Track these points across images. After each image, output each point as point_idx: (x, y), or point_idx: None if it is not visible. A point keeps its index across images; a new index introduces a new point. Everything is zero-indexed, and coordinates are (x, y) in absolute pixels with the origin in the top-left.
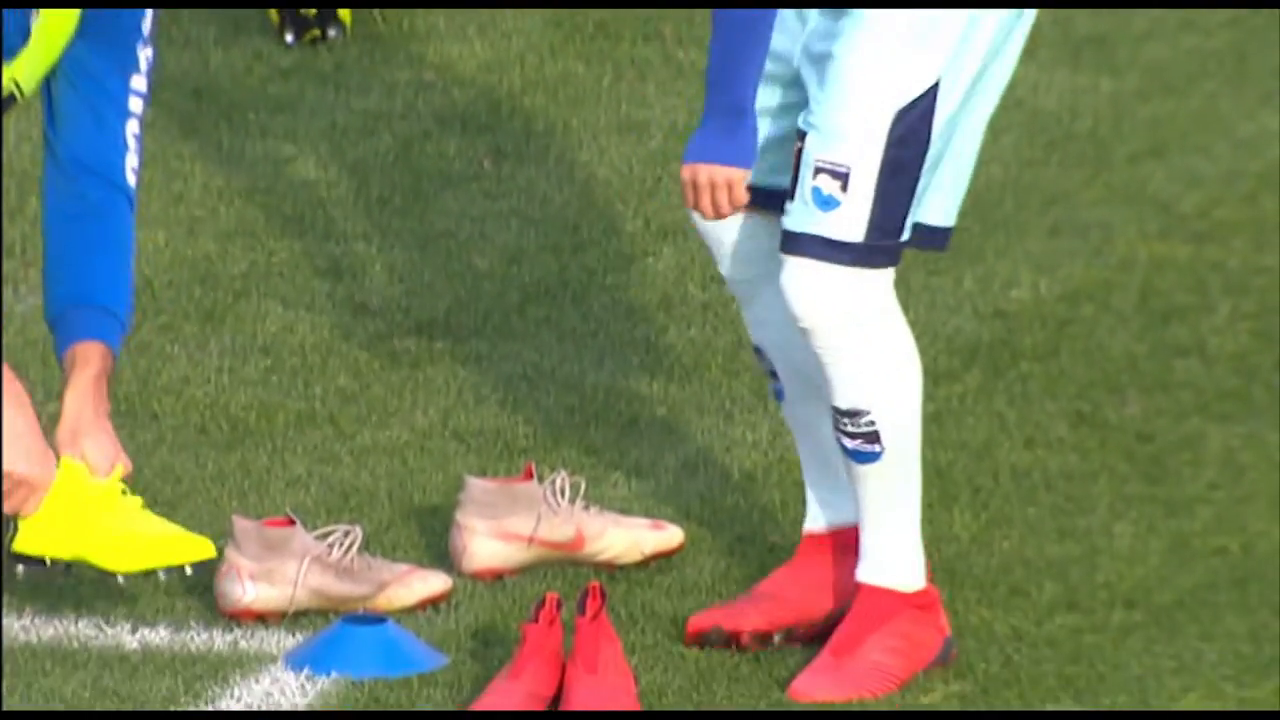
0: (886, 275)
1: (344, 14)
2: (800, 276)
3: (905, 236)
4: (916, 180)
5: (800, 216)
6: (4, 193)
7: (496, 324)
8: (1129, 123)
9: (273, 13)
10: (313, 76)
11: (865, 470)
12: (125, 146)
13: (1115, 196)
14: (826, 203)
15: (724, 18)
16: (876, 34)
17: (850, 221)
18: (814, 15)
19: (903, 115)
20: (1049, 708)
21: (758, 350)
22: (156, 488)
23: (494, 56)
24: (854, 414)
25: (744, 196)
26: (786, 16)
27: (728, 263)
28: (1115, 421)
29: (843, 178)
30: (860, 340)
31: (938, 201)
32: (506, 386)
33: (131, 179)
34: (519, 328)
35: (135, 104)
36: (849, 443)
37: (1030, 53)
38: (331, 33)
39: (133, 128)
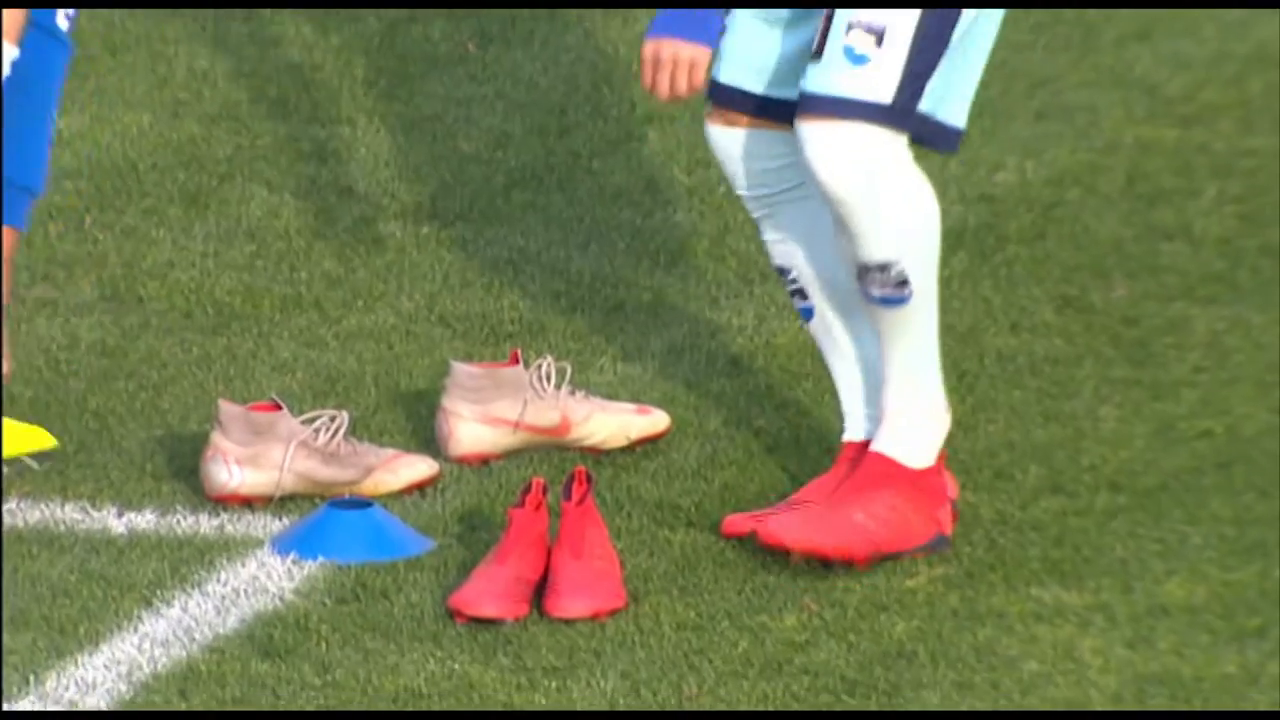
0: (904, 137)
1: None
2: (825, 138)
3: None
4: (943, 51)
5: (827, 76)
6: None
7: (482, 208)
8: (1116, 5)
9: None
10: None
11: (892, 316)
12: None
13: (1102, 80)
14: (859, 60)
15: None
16: None
17: (880, 81)
18: None
19: None
20: (1033, 590)
21: (781, 271)
22: (142, 373)
23: None
24: (885, 266)
25: (703, 78)
26: None
27: (743, 180)
28: (1101, 306)
29: (878, 34)
30: (887, 192)
31: (953, 97)
32: (492, 271)
33: (64, 24)
34: (505, 212)
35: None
36: (877, 291)
37: None
38: None
39: None
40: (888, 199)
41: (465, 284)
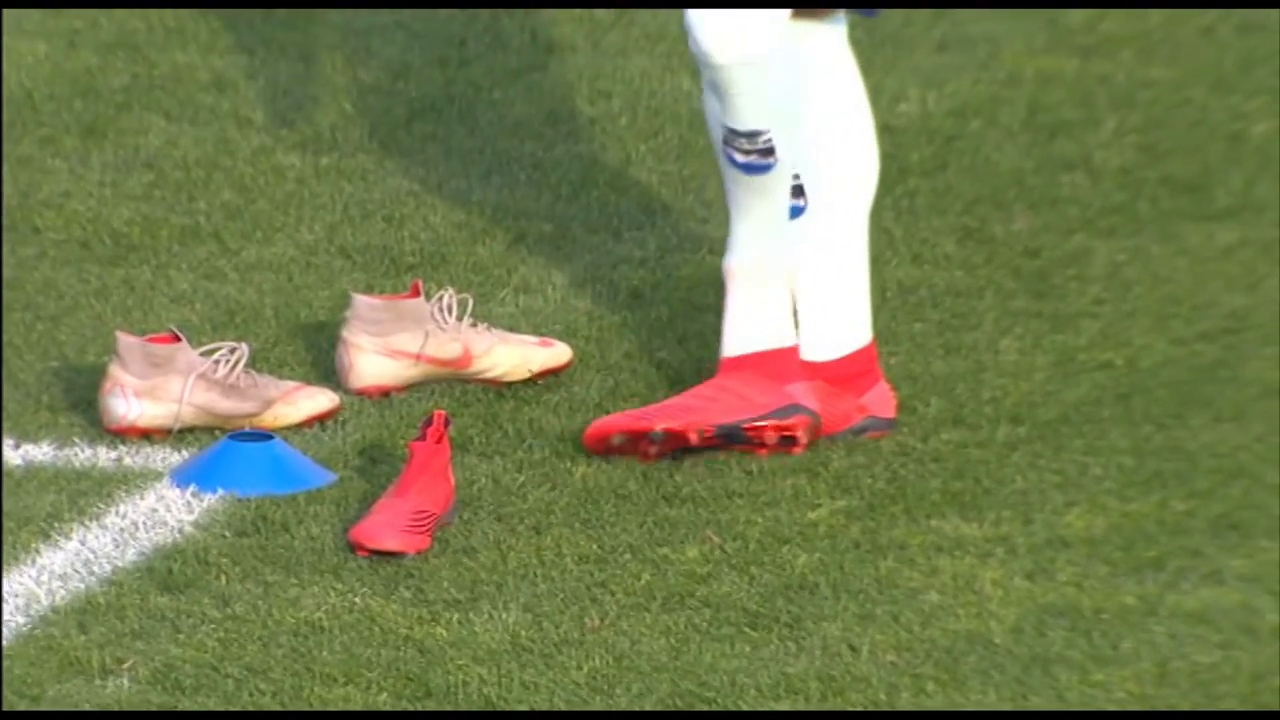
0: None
1: None
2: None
3: None
4: None
5: None
6: None
7: (382, 139)
8: None
9: None
10: None
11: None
12: None
13: (1002, 11)
14: None
15: None
16: None
17: None
18: None
19: None
20: (933, 522)
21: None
22: (39, 304)
23: None
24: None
25: None
26: None
27: (714, 43)
28: (1002, 237)
29: None
30: (776, 66)
31: None
32: (393, 203)
33: None
34: (405, 143)
35: None
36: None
37: None
38: None
39: None
40: (775, 71)
41: (365, 215)
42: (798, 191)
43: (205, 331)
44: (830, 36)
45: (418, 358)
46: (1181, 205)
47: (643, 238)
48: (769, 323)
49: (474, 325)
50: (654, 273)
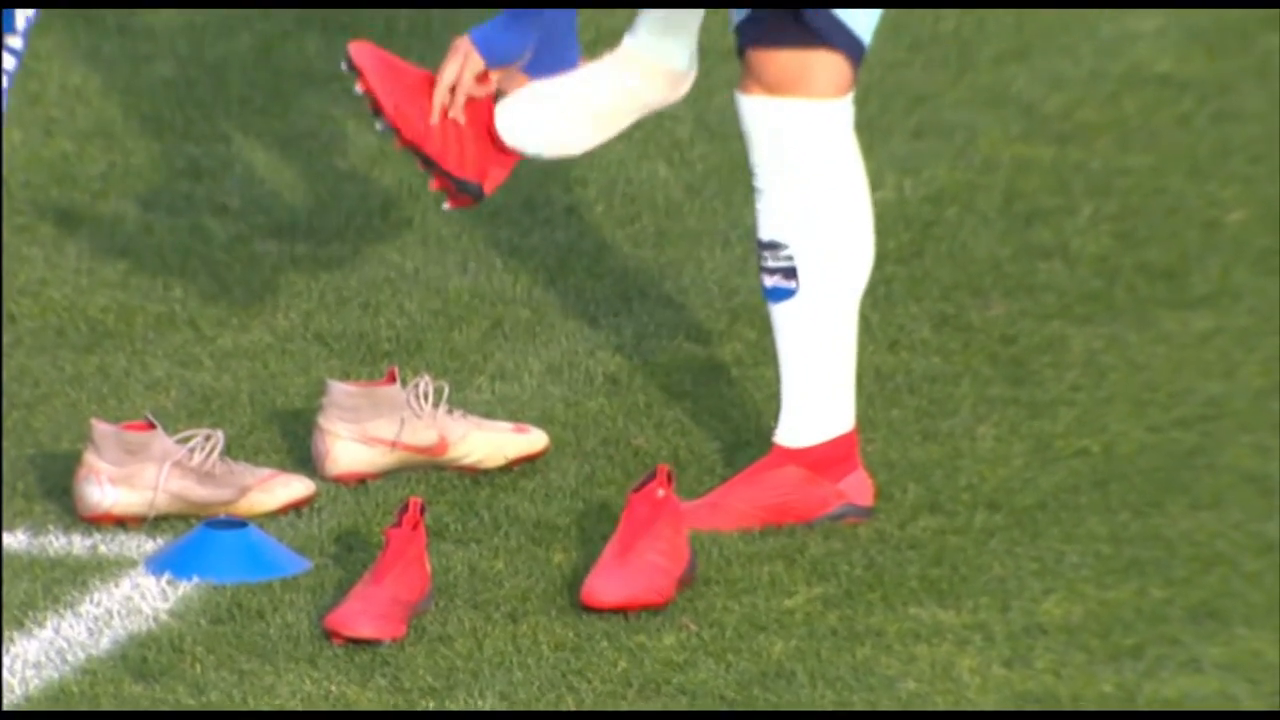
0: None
1: None
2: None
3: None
4: None
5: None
6: None
7: (359, 226)
8: (993, 24)
9: None
10: None
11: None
12: None
13: (979, 98)
14: None
15: None
16: None
17: None
18: None
19: None
20: (911, 610)
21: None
22: (14, 391)
23: None
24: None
25: (472, 83)
26: None
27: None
28: (979, 324)
29: None
30: (808, 170)
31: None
32: (369, 289)
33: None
34: (381, 230)
35: (7, 60)
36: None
37: None
38: None
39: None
40: (807, 176)
41: (341, 302)
42: (789, 274)
43: (180, 419)
44: (833, 116)
45: (394, 445)
46: (1158, 292)
47: (619, 324)
48: None
49: (450, 412)
50: (630, 359)
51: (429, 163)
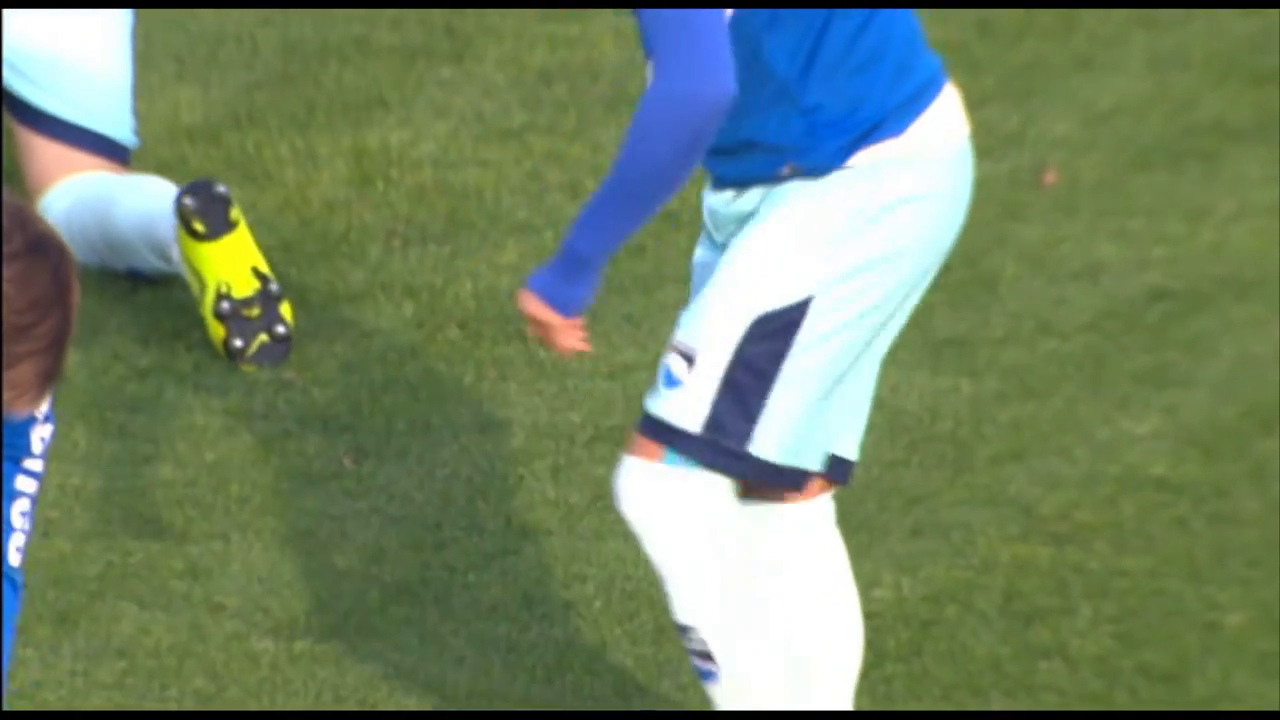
0: (723, 486)
1: (285, 309)
2: (634, 469)
3: (804, 463)
4: (767, 390)
5: (650, 397)
6: None
7: (357, 623)
8: (989, 425)
9: (215, 327)
10: (171, 376)
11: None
12: (10, 528)
13: (976, 498)
14: (671, 382)
15: (623, 169)
16: (770, 230)
17: (690, 407)
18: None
19: (764, 321)
20: None
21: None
22: None
23: (355, 355)
24: (685, 630)
25: (567, 343)
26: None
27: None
28: None
29: (689, 359)
30: (690, 552)
31: (842, 430)
32: (366, 688)
33: (15, 558)
34: (380, 627)
35: (26, 484)
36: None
37: (890, 354)
38: (280, 329)
39: (21, 506)
40: (691, 558)
41: (339, 700)
42: (705, 656)
43: None
44: (814, 514)
45: None
46: (1159, 694)
47: None
48: None
49: None
50: None
51: None
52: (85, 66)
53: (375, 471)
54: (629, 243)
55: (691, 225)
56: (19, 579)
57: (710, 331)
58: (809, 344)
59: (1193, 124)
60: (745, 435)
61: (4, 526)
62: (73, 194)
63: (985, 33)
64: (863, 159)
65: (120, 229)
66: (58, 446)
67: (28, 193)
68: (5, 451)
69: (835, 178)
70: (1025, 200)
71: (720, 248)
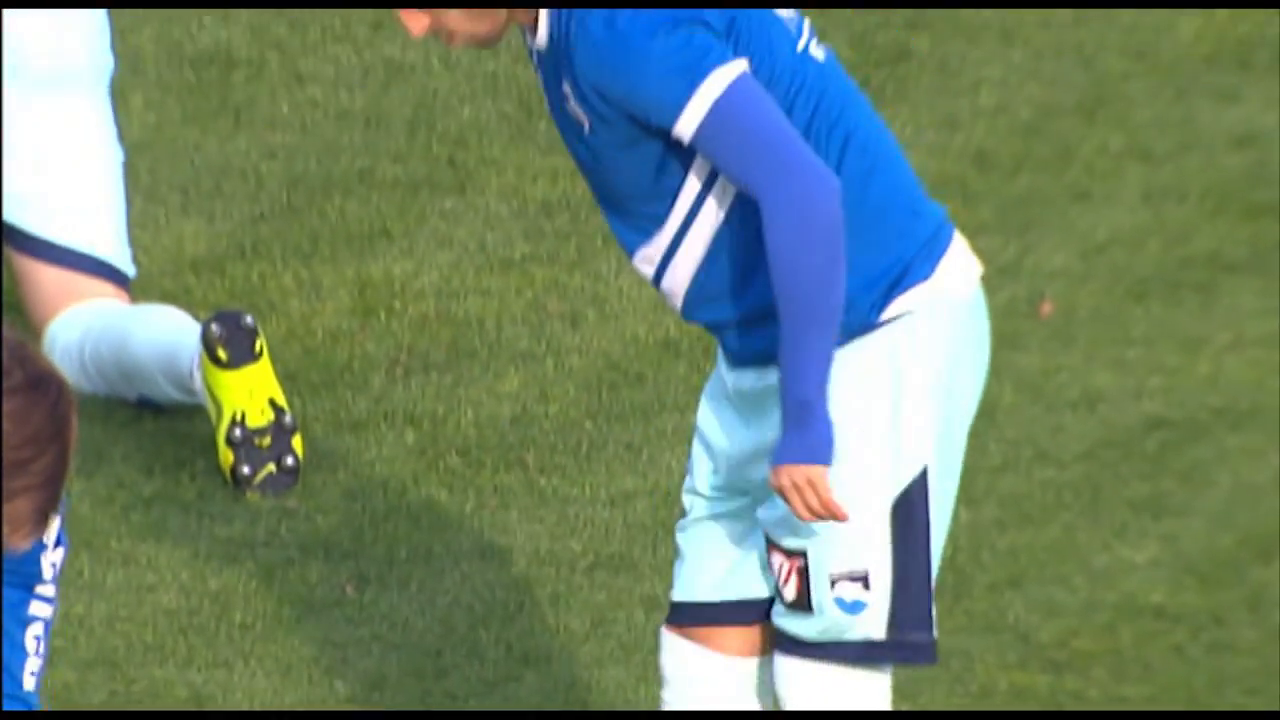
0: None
1: (297, 443)
2: (810, 677)
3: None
4: (928, 559)
5: (825, 626)
6: None
7: None
8: (987, 552)
9: (226, 452)
10: (175, 504)
11: None
12: (25, 653)
13: (975, 625)
14: (854, 608)
15: (790, 296)
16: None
17: (875, 620)
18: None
19: (899, 504)
20: None
21: None
22: None
23: (356, 483)
24: None
25: (829, 491)
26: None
27: None
28: None
29: (863, 579)
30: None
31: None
32: None
33: (30, 683)
34: None
35: (40, 609)
36: None
37: None
38: (289, 461)
39: (35, 631)
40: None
41: None
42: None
43: None
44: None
45: None
46: None
47: None
48: None
49: None
50: None
51: None
52: (80, 198)
53: (377, 599)
54: (629, 371)
55: (690, 353)
56: (34, 702)
57: (863, 543)
58: (938, 504)
59: (1188, 256)
60: (922, 619)
61: (12, 650)
62: (81, 324)
63: (982, 165)
64: (894, 309)
65: (138, 359)
66: (62, 576)
67: (31, 327)
68: (16, 579)
69: (870, 343)
70: (1022, 330)
71: (745, 415)
